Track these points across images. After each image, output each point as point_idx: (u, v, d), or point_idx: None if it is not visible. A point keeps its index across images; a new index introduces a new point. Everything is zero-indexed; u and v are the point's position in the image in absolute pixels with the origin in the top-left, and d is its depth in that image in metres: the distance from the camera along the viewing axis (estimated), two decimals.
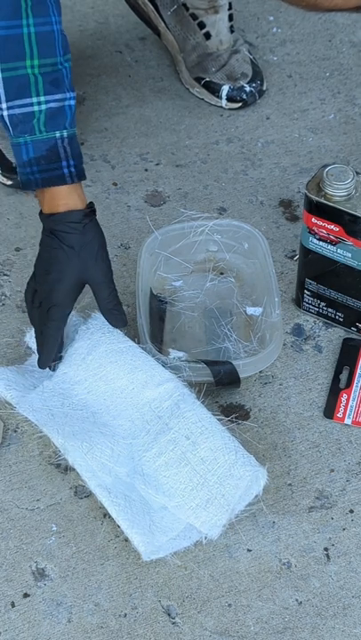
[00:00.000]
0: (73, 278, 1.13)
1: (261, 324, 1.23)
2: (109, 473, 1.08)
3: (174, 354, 1.21)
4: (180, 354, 1.21)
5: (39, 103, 1.08)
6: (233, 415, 1.18)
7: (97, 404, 1.14)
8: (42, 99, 1.08)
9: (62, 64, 1.09)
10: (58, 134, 1.10)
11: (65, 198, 1.13)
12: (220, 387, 1.18)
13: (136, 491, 1.08)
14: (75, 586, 1.05)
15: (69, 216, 1.12)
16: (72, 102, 1.11)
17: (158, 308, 1.26)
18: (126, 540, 1.08)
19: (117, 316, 1.16)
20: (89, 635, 1.03)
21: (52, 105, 1.09)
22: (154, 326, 1.24)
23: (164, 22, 1.60)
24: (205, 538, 1.06)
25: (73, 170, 1.12)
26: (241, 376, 1.18)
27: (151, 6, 1.60)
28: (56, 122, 1.10)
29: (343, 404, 1.19)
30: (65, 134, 1.10)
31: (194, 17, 1.57)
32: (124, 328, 1.17)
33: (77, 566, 1.07)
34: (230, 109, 1.56)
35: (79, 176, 1.12)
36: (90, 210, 1.14)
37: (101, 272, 1.13)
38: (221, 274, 1.32)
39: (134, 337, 1.19)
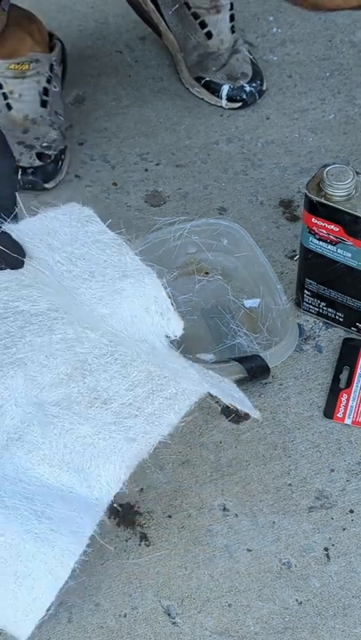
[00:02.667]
0: None
1: (267, 313, 1.23)
2: None
3: (203, 357, 1.22)
4: (210, 356, 1.22)
5: None
6: (233, 415, 1.18)
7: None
8: None
9: None
10: None
11: None
12: (253, 380, 1.19)
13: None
14: (75, 586, 1.05)
15: None
16: None
17: None
18: (126, 540, 1.08)
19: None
20: (89, 635, 1.03)
21: None
22: None
23: (165, 21, 1.60)
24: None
25: None
26: (270, 366, 1.19)
27: (152, 5, 1.61)
28: None
29: (343, 404, 1.19)
30: None
31: (195, 16, 1.57)
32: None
33: (77, 566, 1.07)
34: (230, 109, 1.56)
35: None
36: None
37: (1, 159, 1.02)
38: (206, 273, 1.32)
39: None
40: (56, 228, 1.03)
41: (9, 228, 1.00)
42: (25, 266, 1.02)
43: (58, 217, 1.04)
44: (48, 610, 0.95)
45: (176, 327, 1.03)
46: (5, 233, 1.00)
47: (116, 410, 1.01)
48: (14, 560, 0.95)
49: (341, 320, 1.27)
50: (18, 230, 1.01)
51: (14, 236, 1.01)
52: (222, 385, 1.02)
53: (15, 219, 1.01)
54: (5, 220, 1.00)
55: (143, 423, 1.00)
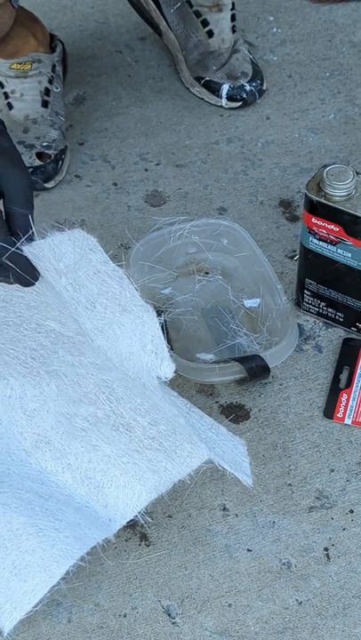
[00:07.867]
0: None
1: (267, 313, 1.23)
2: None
3: (203, 357, 1.22)
4: (210, 355, 1.22)
5: None
6: (233, 415, 1.18)
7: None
8: None
9: None
10: None
11: None
12: (253, 380, 1.19)
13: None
14: (75, 586, 1.05)
15: None
16: None
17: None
18: (127, 540, 1.08)
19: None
20: (89, 635, 1.03)
21: None
22: None
23: (166, 20, 1.60)
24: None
25: None
26: (270, 366, 1.18)
27: (153, 4, 1.61)
28: None
29: (343, 404, 1.19)
30: None
31: (197, 14, 1.57)
32: None
33: (77, 566, 1.07)
34: (230, 109, 1.56)
35: None
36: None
37: (20, 179, 1.01)
38: (206, 273, 1.32)
39: None
40: (62, 253, 1.04)
41: (23, 249, 1.01)
42: (34, 288, 1.04)
43: (64, 241, 1.04)
44: (36, 606, 0.96)
45: (167, 369, 1.06)
46: (21, 254, 1.01)
47: (139, 438, 1.02)
48: (15, 550, 0.96)
49: (341, 320, 1.27)
50: (30, 252, 1.01)
51: (29, 257, 1.02)
52: (219, 438, 1.06)
53: (30, 239, 1.02)
54: (20, 240, 1.01)
55: (165, 459, 1.01)
